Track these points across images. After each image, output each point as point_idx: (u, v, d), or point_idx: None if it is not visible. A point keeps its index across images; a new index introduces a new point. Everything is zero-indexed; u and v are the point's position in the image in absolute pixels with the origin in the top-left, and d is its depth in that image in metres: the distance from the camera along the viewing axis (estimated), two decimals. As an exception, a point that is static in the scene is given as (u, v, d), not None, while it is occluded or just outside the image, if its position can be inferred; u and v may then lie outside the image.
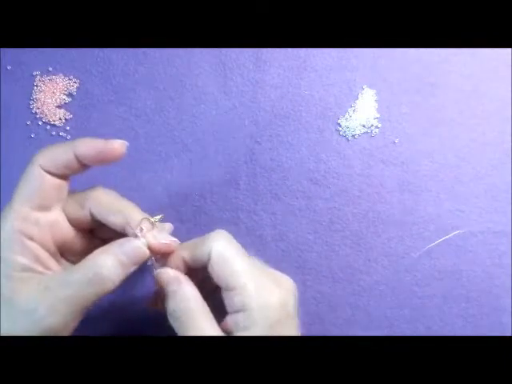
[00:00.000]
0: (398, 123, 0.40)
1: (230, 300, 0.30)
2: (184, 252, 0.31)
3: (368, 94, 0.40)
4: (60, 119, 0.40)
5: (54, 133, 0.40)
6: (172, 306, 0.29)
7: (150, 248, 0.30)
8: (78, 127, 0.40)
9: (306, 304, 0.38)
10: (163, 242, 0.30)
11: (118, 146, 0.29)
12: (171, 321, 0.29)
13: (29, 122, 0.40)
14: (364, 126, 0.40)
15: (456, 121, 0.40)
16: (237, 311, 0.30)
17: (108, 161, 0.29)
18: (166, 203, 0.39)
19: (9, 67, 0.40)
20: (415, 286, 0.38)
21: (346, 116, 0.40)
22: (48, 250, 0.30)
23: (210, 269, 0.30)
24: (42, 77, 0.40)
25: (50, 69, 0.40)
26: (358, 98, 0.40)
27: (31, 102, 0.40)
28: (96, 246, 0.30)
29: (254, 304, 0.29)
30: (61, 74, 0.40)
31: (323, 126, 0.40)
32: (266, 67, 0.40)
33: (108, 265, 0.28)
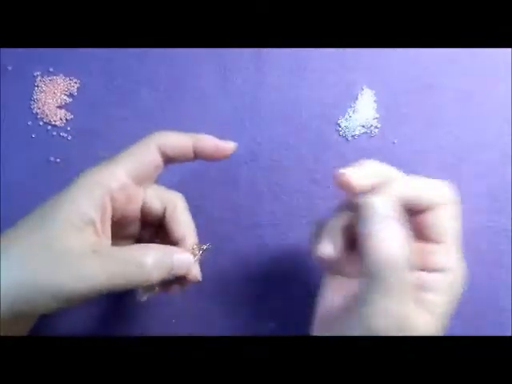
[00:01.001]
0: (397, 123, 0.40)
1: (430, 254, 0.29)
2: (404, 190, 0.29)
3: (367, 94, 0.40)
4: (61, 119, 0.40)
5: (54, 133, 0.40)
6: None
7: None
8: (79, 127, 0.40)
9: (306, 304, 0.38)
10: (196, 273, 0.31)
11: (232, 147, 0.32)
12: None
13: (30, 123, 0.40)
14: (363, 127, 0.40)
15: (455, 121, 0.40)
16: (435, 270, 0.29)
17: (219, 159, 0.32)
18: (166, 203, 0.39)
19: (10, 67, 0.40)
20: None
21: (346, 116, 0.40)
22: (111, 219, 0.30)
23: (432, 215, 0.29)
24: (42, 77, 0.40)
25: (51, 69, 0.41)
26: (357, 99, 0.40)
27: (32, 103, 0.40)
28: (137, 241, 0.32)
29: (456, 271, 0.29)
30: (61, 75, 0.41)
31: (323, 127, 0.40)
32: (266, 68, 0.40)
33: (156, 260, 0.28)
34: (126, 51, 0.40)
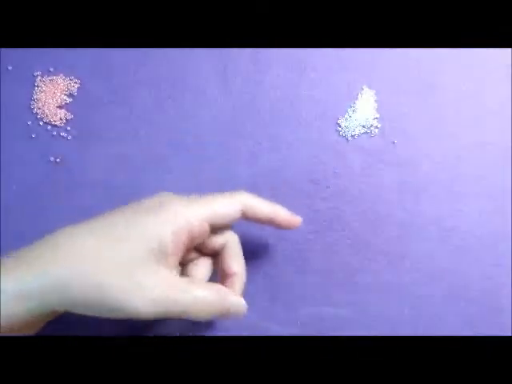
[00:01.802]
0: (397, 123, 0.40)
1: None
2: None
3: (367, 94, 0.40)
4: (61, 119, 0.40)
5: (54, 133, 0.40)
6: None
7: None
8: (79, 127, 0.40)
9: (306, 304, 0.38)
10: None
11: (299, 221, 0.35)
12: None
13: (30, 123, 0.40)
14: (363, 127, 0.40)
15: (456, 121, 0.40)
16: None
17: (286, 229, 0.34)
18: (166, 203, 0.39)
19: (10, 67, 0.40)
20: (415, 285, 0.38)
21: (346, 116, 0.40)
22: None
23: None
24: (42, 77, 0.40)
25: (51, 69, 0.41)
26: (357, 99, 0.40)
27: (32, 103, 0.40)
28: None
29: None
30: (61, 75, 0.41)
31: (323, 126, 0.40)
32: (265, 67, 0.40)
33: (209, 301, 0.30)
34: (126, 51, 0.40)
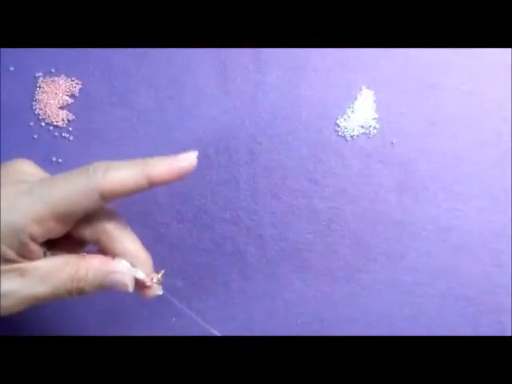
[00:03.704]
0: (396, 123, 0.40)
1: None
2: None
3: (366, 94, 0.40)
4: (63, 120, 0.40)
5: (56, 134, 0.40)
6: None
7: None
8: (81, 128, 0.40)
9: (305, 304, 0.38)
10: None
11: (191, 161, 0.28)
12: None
13: (31, 123, 0.40)
14: (362, 127, 0.40)
15: (455, 121, 0.39)
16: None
17: (180, 178, 0.28)
18: (166, 203, 0.39)
19: (11, 68, 0.41)
20: (415, 285, 0.38)
21: (345, 116, 0.40)
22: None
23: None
24: (44, 78, 0.41)
25: (53, 70, 0.41)
26: (356, 99, 0.40)
27: (34, 103, 0.40)
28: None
29: None
30: (63, 76, 0.41)
31: (322, 127, 0.40)
32: (265, 67, 0.40)
33: (94, 265, 0.28)
34: (127, 51, 0.40)
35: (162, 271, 0.31)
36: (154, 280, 0.30)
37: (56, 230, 0.27)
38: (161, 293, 0.30)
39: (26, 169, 0.29)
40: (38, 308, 0.39)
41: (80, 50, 0.40)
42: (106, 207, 0.29)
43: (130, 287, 0.29)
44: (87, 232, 0.29)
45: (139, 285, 0.30)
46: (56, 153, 0.40)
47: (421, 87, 0.40)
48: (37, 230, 0.26)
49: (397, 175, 0.39)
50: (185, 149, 0.40)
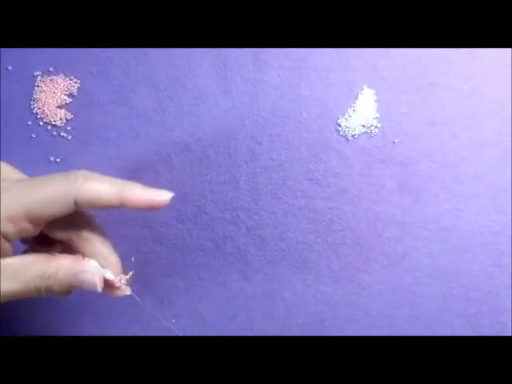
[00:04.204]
0: (397, 123, 0.40)
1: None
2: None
3: (367, 93, 0.40)
4: (61, 119, 0.40)
5: (54, 133, 0.40)
6: None
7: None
8: (79, 127, 0.40)
9: (306, 304, 0.38)
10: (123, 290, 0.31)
11: (165, 199, 0.29)
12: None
13: (30, 123, 0.40)
14: (363, 126, 0.40)
15: (455, 121, 0.39)
16: None
17: (150, 210, 0.29)
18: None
19: (10, 67, 0.40)
20: (415, 285, 0.38)
21: (346, 116, 0.40)
22: None
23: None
24: (42, 77, 0.40)
25: (51, 69, 0.41)
26: (357, 98, 0.40)
27: (32, 103, 0.40)
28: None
29: None
30: (62, 75, 0.41)
31: (323, 126, 0.40)
32: (265, 67, 0.40)
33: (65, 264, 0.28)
34: (126, 51, 0.40)
35: (130, 273, 0.32)
36: (123, 281, 0.31)
37: (29, 230, 0.28)
38: (129, 293, 0.31)
39: (4, 169, 0.30)
40: (36, 308, 0.39)
41: (79, 49, 0.40)
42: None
43: (99, 287, 0.29)
44: (59, 232, 0.29)
45: (108, 285, 0.31)
46: (54, 152, 0.40)
47: (421, 87, 0.40)
48: (10, 229, 0.27)
49: (398, 175, 0.39)
50: (184, 149, 0.40)
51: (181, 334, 0.33)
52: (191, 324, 0.37)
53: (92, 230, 0.30)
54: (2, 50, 0.40)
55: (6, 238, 0.27)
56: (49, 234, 0.30)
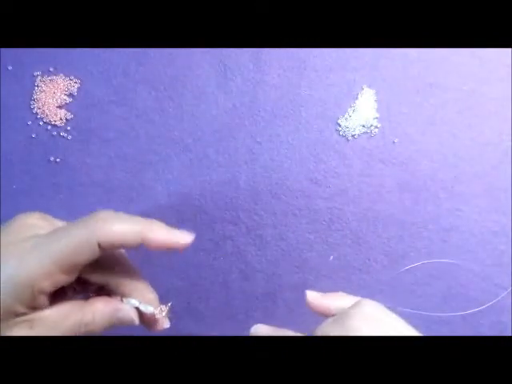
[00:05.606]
0: (397, 123, 0.40)
1: None
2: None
3: (367, 93, 0.40)
4: (61, 119, 0.40)
5: (54, 133, 0.40)
6: None
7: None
8: (79, 127, 0.40)
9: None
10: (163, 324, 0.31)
11: (187, 242, 0.29)
12: None
13: (30, 122, 0.40)
14: (363, 126, 0.40)
15: (455, 121, 0.40)
16: None
17: (171, 250, 0.29)
18: (166, 203, 0.39)
19: (10, 67, 0.40)
20: (415, 285, 0.38)
21: (346, 116, 0.40)
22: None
23: None
24: (42, 77, 0.40)
25: (51, 69, 0.41)
26: (357, 98, 0.40)
27: (32, 102, 0.40)
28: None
29: None
30: (62, 75, 0.41)
31: (323, 126, 0.40)
32: (265, 67, 0.40)
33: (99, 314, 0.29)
34: (126, 51, 0.40)
35: (169, 304, 0.31)
36: (164, 313, 0.31)
37: (63, 280, 0.28)
38: (168, 326, 0.31)
39: (33, 222, 0.30)
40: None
41: (79, 49, 0.40)
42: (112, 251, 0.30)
43: (136, 321, 0.30)
44: (94, 276, 0.30)
45: (146, 319, 0.31)
46: (54, 152, 0.40)
47: (421, 87, 0.40)
48: (45, 284, 0.27)
49: (398, 175, 0.39)
50: (184, 149, 0.40)
51: (181, 334, 0.33)
52: (191, 324, 0.37)
53: (125, 270, 0.30)
54: (2, 50, 0.40)
55: (43, 292, 0.27)
56: (86, 279, 0.30)
